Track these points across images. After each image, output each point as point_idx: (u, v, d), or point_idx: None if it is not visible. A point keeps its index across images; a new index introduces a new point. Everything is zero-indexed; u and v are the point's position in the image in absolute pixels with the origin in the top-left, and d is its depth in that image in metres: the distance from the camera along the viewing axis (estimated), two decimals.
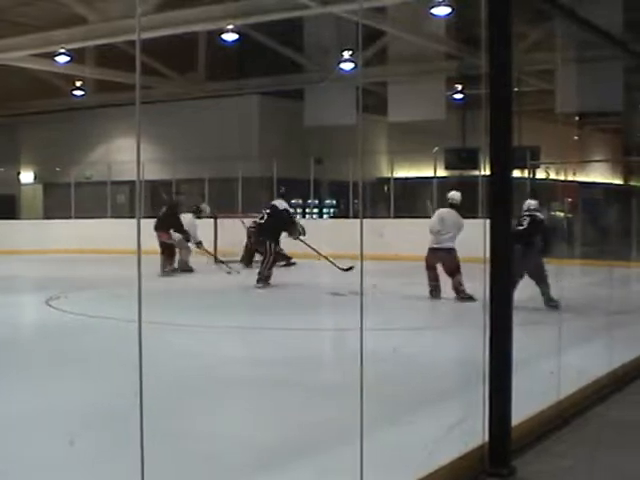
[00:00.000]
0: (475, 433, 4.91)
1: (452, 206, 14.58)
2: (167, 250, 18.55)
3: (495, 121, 4.93)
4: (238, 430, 6.09)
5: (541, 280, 12.08)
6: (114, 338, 9.88)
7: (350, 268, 15.31)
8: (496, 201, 5.00)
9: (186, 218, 19.12)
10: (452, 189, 15.49)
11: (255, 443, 5.69)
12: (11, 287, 16.77)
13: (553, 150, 23.35)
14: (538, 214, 12.81)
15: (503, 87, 4.99)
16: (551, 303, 11.77)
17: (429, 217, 15.39)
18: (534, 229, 12.39)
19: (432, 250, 14.10)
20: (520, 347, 5.07)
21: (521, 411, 5.18)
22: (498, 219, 4.93)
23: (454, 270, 13.67)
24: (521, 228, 12.25)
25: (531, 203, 12.93)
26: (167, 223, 18.44)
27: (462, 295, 13.25)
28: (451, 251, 13.90)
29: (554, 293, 11.74)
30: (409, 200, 28.78)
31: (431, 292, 14.03)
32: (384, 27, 22.47)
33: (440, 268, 13.92)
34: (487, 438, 4.87)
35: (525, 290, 11.08)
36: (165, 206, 19.27)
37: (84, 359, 8.82)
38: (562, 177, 25.60)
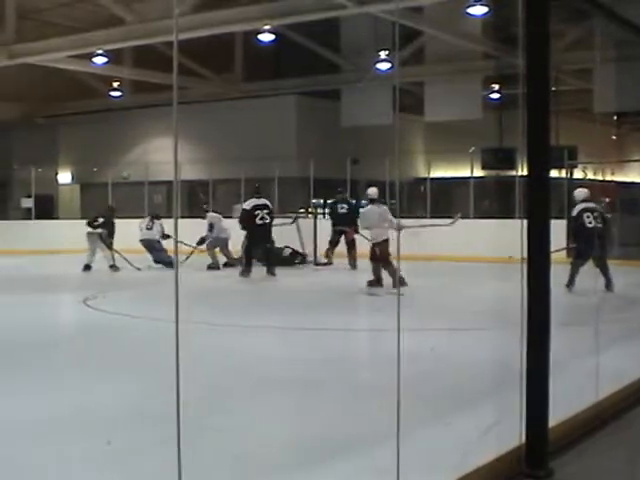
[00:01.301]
0: (512, 434, 4.89)
1: (372, 202, 15.66)
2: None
3: (532, 121, 4.90)
4: (274, 429, 6.10)
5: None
6: (151, 338, 9.93)
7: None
8: (533, 201, 4.97)
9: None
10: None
11: (290, 443, 5.70)
12: (49, 287, 16.90)
13: (591, 150, 23.19)
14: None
15: (540, 86, 4.96)
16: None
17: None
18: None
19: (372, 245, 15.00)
20: (558, 347, 5.04)
21: (559, 412, 5.14)
22: (536, 219, 4.90)
23: (384, 259, 14.36)
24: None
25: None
26: None
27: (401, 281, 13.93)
28: (383, 243, 14.47)
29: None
30: (446, 200, 28.70)
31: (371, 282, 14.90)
32: (421, 27, 22.41)
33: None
34: (524, 439, 4.84)
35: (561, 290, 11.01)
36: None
37: (121, 359, 8.88)
38: (600, 177, 25.41)
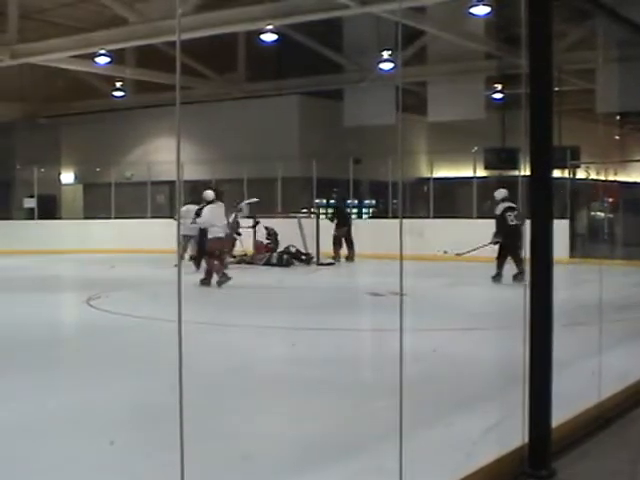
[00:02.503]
0: (515, 434, 4.89)
1: (209, 203, 16.63)
2: None
3: (535, 121, 4.90)
4: (278, 429, 6.11)
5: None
6: (153, 337, 9.94)
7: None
8: (536, 201, 4.97)
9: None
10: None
11: (294, 442, 5.70)
12: (52, 286, 16.92)
13: (594, 150, 23.15)
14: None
15: (543, 86, 4.96)
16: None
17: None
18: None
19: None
20: (560, 347, 5.04)
21: (561, 412, 5.14)
22: (538, 219, 4.90)
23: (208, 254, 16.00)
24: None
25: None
26: None
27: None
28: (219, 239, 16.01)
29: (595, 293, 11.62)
30: (448, 200, 28.69)
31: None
32: (423, 27, 22.41)
33: None
34: (527, 439, 4.84)
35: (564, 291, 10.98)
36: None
37: (123, 358, 8.89)
38: (603, 177, 25.38)
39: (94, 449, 5.50)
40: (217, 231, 16.17)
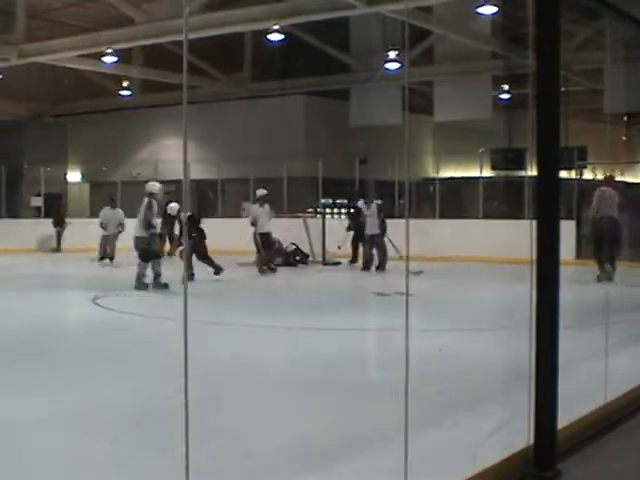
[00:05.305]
0: (520, 435, 4.88)
1: (151, 195, 16.01)
2: None
3: (542, 121, 4.88)
4: (282, 429, 6.10)
5: None
6: (159, 337, 9.94)
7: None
8: (543, 202, 4.95)
9: None
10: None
11: (299, 442, 5.69)
12: (58, 285, 16.95)
13: (601, 150, 23.14)
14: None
15: (550, 86, 4.94)
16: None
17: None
18: None
19: None
20: (566, 349, 5.02)
21: (567, 414, 5.12)
22: (545, 220, 4.88)
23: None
24: None
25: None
26: None
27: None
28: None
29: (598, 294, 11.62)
30: (454, 200, 28.67)
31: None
32: (430, 26, 22.40)
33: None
34: (532, 440, 4.83)
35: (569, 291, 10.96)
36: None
37: (127, 358, 8.88)
38: None
39: (94, 448, 5.50)
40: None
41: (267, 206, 19.30)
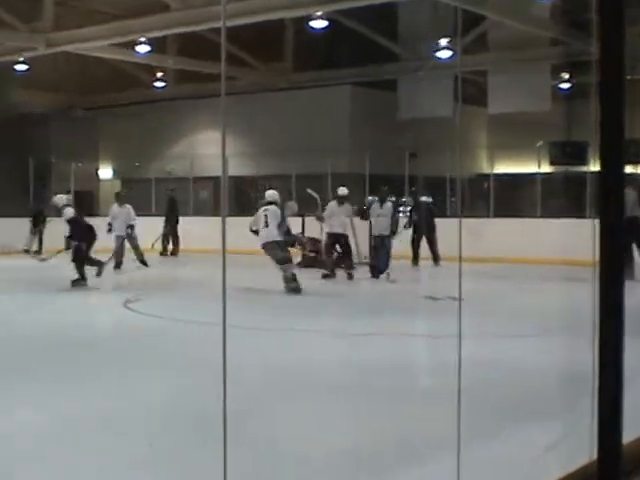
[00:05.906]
0: (581, 450, 4.84)
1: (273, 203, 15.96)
2: None
3: (605, 112, 4.83)
4: (328, 436, 6.13)
5: None
6: (194, 341, 10.01)
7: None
8: (607, 199, 4.90)
9: None
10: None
11: (347, 450, 5.72)
12: (89, 288, 17.03)
13: None
14: None
15: (615, 75, 4.89)
16: None
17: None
18: None
19: None
20: (630, 358, 4.98)
21: (633, 428, 5.08)
22: (609, 218, 4.84)
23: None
24: None
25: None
26: None
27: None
28: None
29: None
30: (510, 198, 28.52)
31: None
32: (484, 11, 22.25)
33: None
34: (595, 456, 4.78)
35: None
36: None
37: (162, 362, 8.96)
38: None
39: (133, 451, 5.60)
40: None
41: (348, 205, 19.26)
